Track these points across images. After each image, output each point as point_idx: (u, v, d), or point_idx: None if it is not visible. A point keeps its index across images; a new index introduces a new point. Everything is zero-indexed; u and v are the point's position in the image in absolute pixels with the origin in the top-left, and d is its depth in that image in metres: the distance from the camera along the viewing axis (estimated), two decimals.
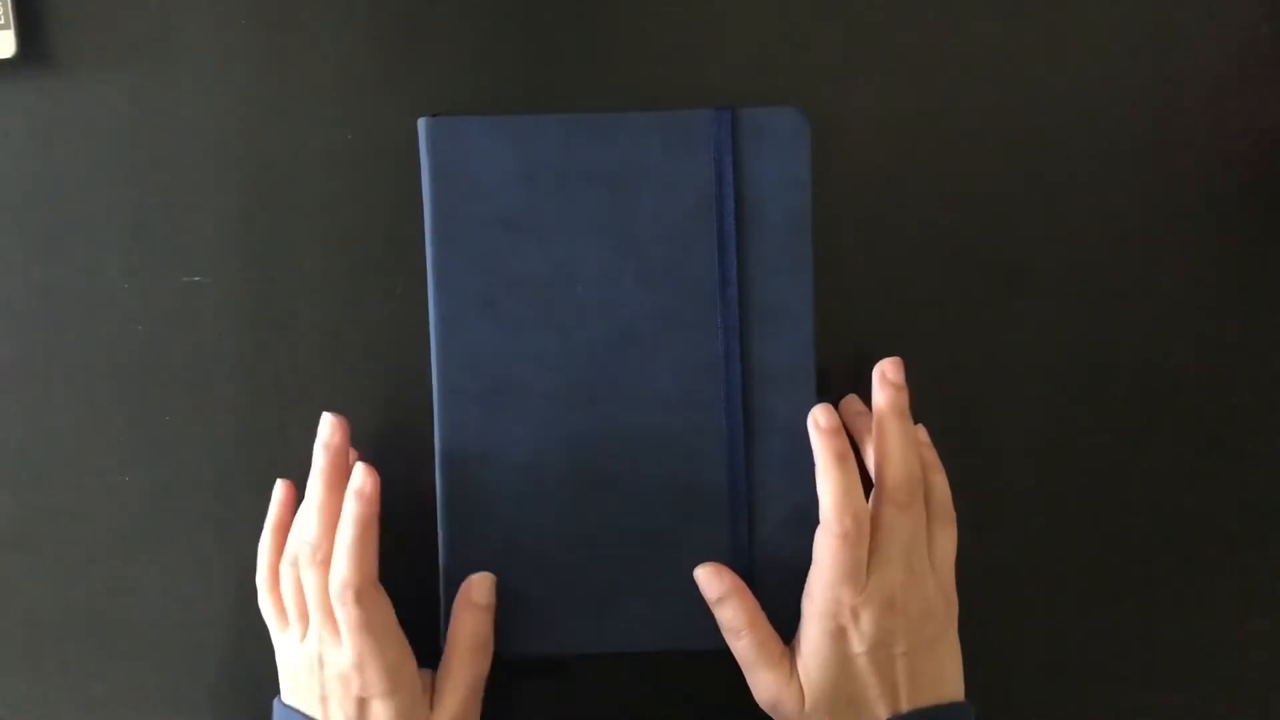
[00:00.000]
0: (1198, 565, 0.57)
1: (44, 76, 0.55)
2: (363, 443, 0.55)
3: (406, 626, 0.51)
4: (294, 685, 0.52)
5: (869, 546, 0.51)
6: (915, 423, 0.53)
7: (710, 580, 0.53)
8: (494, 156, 0.53)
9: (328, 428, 0.52)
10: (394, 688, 0.50)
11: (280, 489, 0.55)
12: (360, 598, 0.50)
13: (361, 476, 0.51)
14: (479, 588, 0.52)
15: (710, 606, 0.53)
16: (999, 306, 0.56)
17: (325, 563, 0.51)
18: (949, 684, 0.52)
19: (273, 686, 0.53)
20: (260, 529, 0.55)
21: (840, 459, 0.51)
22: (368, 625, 0.50)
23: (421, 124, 0.53)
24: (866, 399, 0.54)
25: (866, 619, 0.50)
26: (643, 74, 0.55)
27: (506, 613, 0.53)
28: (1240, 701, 0.57)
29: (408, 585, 0.52)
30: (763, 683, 0.52)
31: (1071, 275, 0.56)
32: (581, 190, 0.53)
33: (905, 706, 0.50)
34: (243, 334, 0.56)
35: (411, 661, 0.51)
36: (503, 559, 0.53)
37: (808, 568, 0.52)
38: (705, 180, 0.53)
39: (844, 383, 0.55)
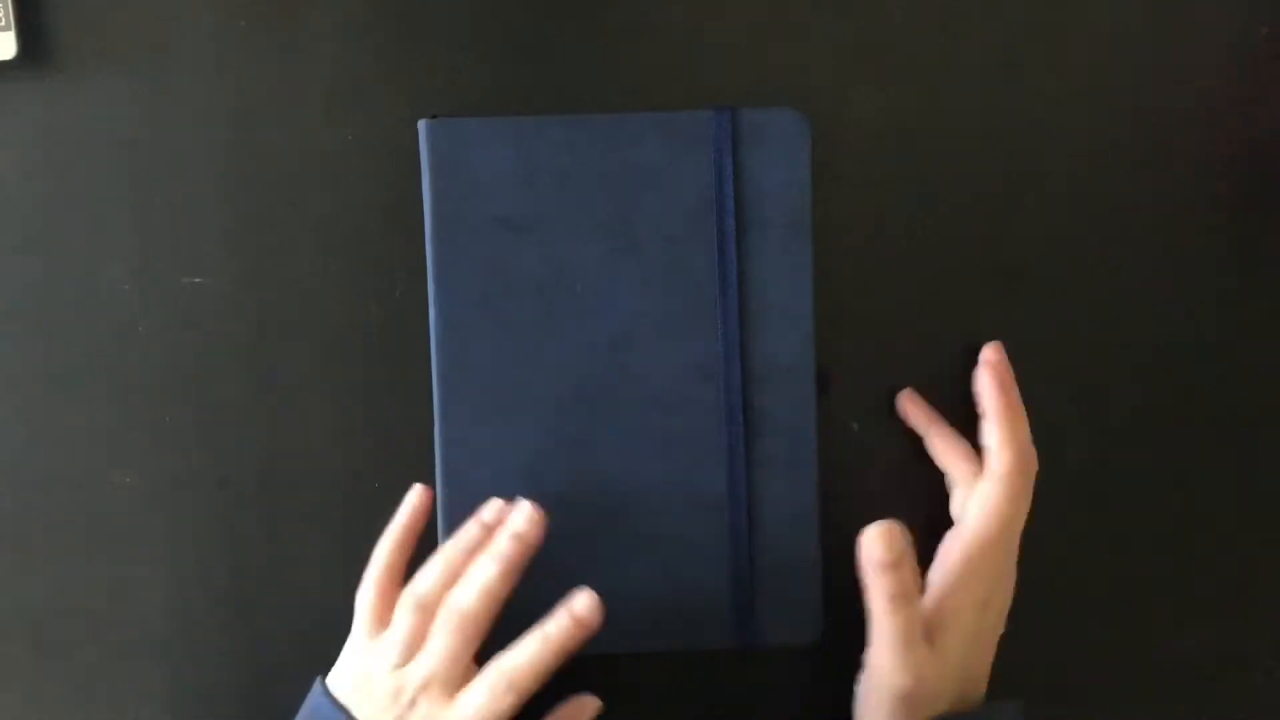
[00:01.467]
0: (1198, 566, 0.57)
1: (45, 77, 0.55)
2: (363, 443, 0.55)
3: None
4: (361, 692, 0.50)
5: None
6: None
7: (884, 541, 0.49)
8: (494, 157, 0.53)
9: (524, 518, 0.50)
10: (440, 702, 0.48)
11: (419, 495, 0.53)
12: (518, 700, 0.48)
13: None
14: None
15: (874, 572, 0.49)
16: (999, 306, 0.56)
17: (474, 639, 0.49)
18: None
19: (274, 686, 0.53)
20: (260, 528, 0.55)
21: (1016, 409, 0.53)
22: (499, 713, 0.48)
23: (421, 125, 0.53)
24: (873, 388, 0.54)
25: (1002, 588, 0.52)
26: (643, 74, 0.55)
27: (506, 613, 0.53)
28: (1240, 702, 0.57)
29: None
30: (908, 664, 0.49)
31: (1071, 275, 0.56)
32: (581, 190, 0.53)
33: (983, 690, 0.52)
34: (243, 334, 0.56)
35: None
36: None
37: (808, 568, 0.52)
38: (705, 180, 0.53)
39: (844, 383, 0.55)
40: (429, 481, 0.54)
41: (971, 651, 0.52)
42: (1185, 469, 0.57)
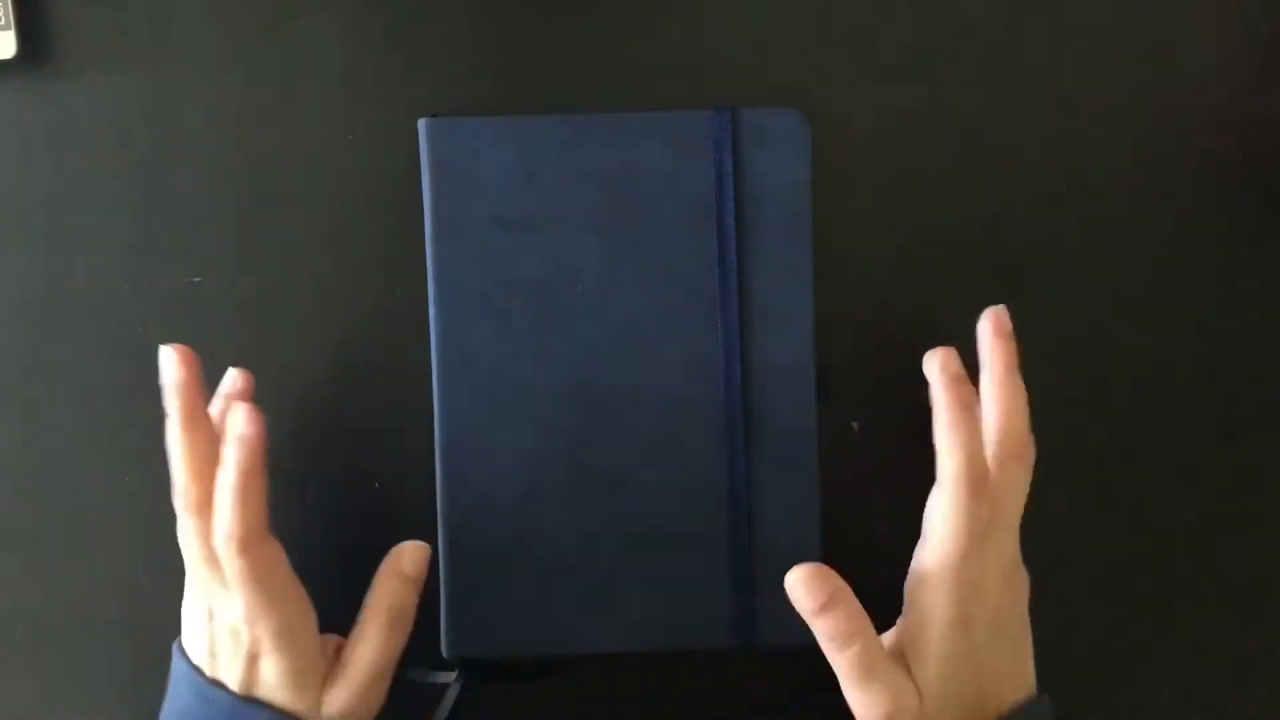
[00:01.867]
0: (1199, 566, 0.57)
1: (44, 77, 0.55)
2: (363, 442, 0.55)
3: None
4: (188, 632, 0.50)
5: (993, 513, 0.47)
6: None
7: (810, 586, 0.47)
8: (494, 156, 0.53)
9: (169, 364, 0.48)
10: (287, 644, 0.47)
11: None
12: (246, 549, 0.46)
13: (243, 421, 0.47)
14: (411, 557, 0.50)
15: (808, 618, 0.47)
16: None
17: (197, 508, 0.48)
18: (1031, 674, 0.49)
19: None
20: None
21: (967, 408, 0.48)
22: (257, 578, 0.47)
23: (421, 124, 0.53)
24: (869, 379, 0.54)
25: (991, 596, 0.46)
26: (643, 74, 0.55)
27: (506, 612, 0.53)
28: (1241, 703, 0.57)
29: None
30: (876, 694, 0.46)
31: (1071, 275, 0.56)
32: (581, 190, 0.53)
33: (1007, 704, 0.46)
34: (243, 334, 0.56)
35: (309, 620, 0.49)
36: (502, 559, 0.53)
37: None
38: (705, 180, 0.53)
39: (844, 383, 0.55)
40: (429, 481, 0.53)
41: (961, 673, 0.46)
42: (1187, 469, 0.57)
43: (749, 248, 0.54)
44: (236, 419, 0.47)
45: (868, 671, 0.46)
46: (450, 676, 0.53)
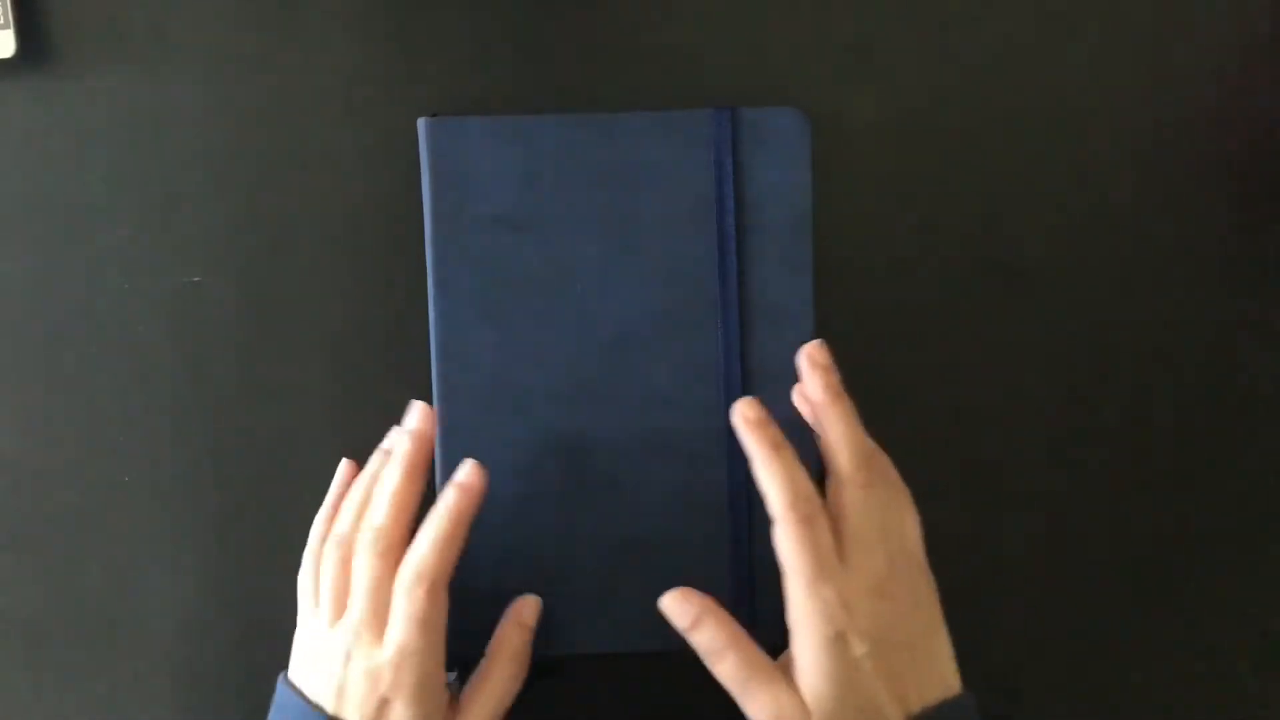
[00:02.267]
0: (1199, 566, 0.57)
1: (44, 76, 0.55)
2: (363, 443, 0.55)
3: None
4: (310, 669, 0.50)
5: (842, 536, 0.48)
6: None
7: (679, 607, 0.50)
8: (494, 156, 0.53)
9: (417, 415, 0.51)
10: (423, 695, 0.48)
11: (345, 468, 0.54)
12: (434, 591, 0.47)
13: (470, 470, 0.49)
14: (529, 608, 0.52)
15: (685, 635, 0.50)
16: (999, 306, 0.56)
17: (388, 553, 0.48)
18: (950, 675, 0.49)
19: (273, 686, 0.53)
20: (260, 529, 0.55)
21: (776, 448, 0.49)
22: (427, 623, 0.47)
23: (421, 124, 0.53)
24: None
25: (862, 613, 0.47)
26: (643, 74, 0.55)
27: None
28: (1241, 703, 0.57)
29: None
30: (759, 703, 0.48)
31: (1071, 275, 0.56)
32: (581, 190, 0.53)
33: (916, 706, 0.47)
34: (243, 334, 0.56)
35: (443, 675, 0.49)
36: (502, 559, 0.53)
37: None
38: (705, 180, 0.53)
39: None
40: (429, 481, 0.53)
41: (846, 687, 0.47)
42: (1187, 469, 0.57)
43: (749, 248, 0.54)
44: (462, 469, 0.50)
45: (743, 684, 0.48)
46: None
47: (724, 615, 0.49)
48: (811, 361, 0.51)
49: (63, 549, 0.56)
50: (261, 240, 0.55)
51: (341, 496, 0.53)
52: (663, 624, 0.54)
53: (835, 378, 0.51)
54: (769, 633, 0.54)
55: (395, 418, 0.55)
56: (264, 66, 0.55)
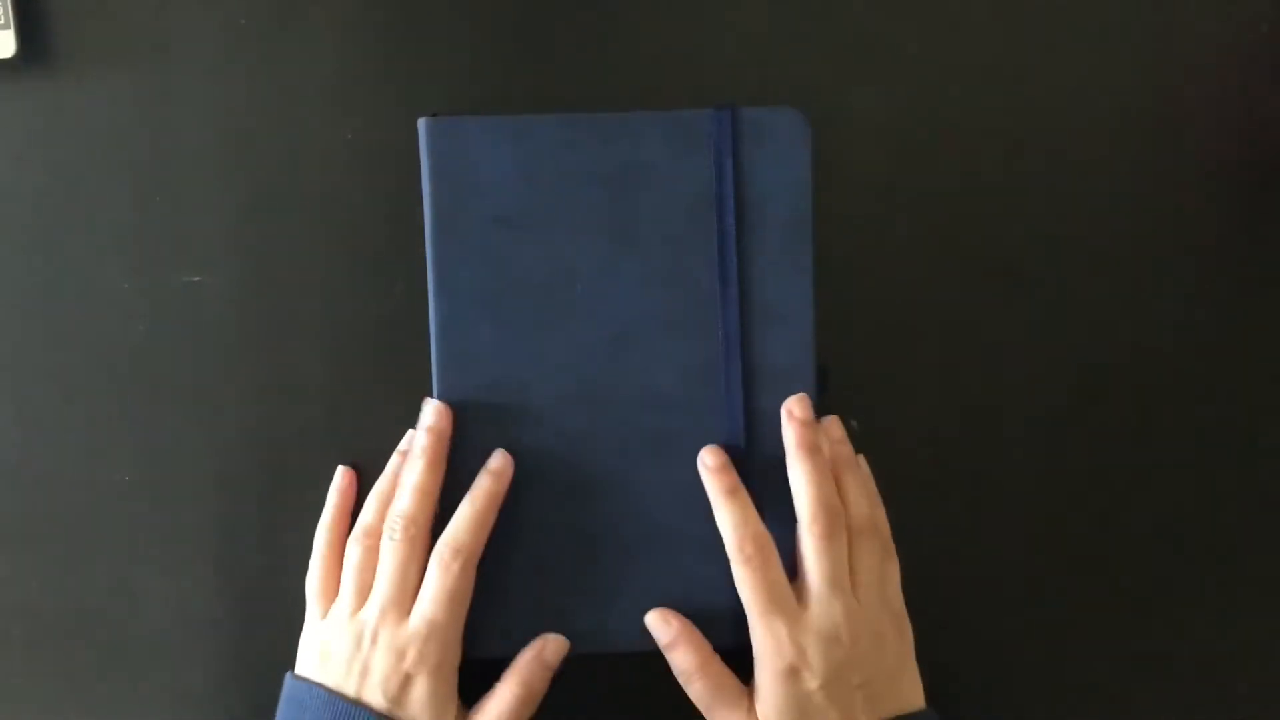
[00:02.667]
0: (1199, 566, 0.57)
1: (44, 76, 0.55)
2: (363, 442, 0.55)
3: None
4: (325, 663, 0.51)
5: (802, 581, 0.51)
6: (859, 453, 0.54)
7: (659, 626, 0.53)
8: (494, 156, 0.53)
9: (433, 413, 0.53)
10: (443, 673, 0.50)
11: (342, 475, 0.55)
12: (467, 565, 0.51)
13: (500, 458, 0.53)
14: (553, 649, 0.53)
15: (663, 651, 0.53)
16: (998, 306, 0.56)
17: (416, 539, 0.51)
18: (914, 700, 0.52)
19: (273, 686, 0.53)
20: (260, 528, 0.55)
21: (730, 493, 0.52)
22: (456, 597, 0.50)
23: (421, 124, 0.53)
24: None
25: (815, 655, 0.49)
26: (643, 74, 0.55)
27: (506, 613, 0.53)
28: (1241, 704, 0.57)
29: None
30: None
31: (1071, 275, 0.56)
32: (581, 190, 0.53)
33: None
34: (243, 334, 0.56)
35: (459, 659, 0.51)
36: (502, 559, 0.53)
37: None
38: (705, 180, 0.53)
39: (843, 383, 0.55)
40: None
41: (800, 716, 0.50)
42: (1186, 469, 0.57)
43: (749, 247, 0.54)
44: (494, 457, 0.53)
45: (709, 707, 0.51)
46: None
47: (698, 640, 0.52)
48: (789, 415, 0.53)
49: (63, 549, 0.56)
50: (261, 240, 0.55)
51: (342, 507, 0.54)
52: None
53: (811, 432, 0.52)
54: None
55: (395, 418, 0.55)
56: (264, 67, 0.55)
